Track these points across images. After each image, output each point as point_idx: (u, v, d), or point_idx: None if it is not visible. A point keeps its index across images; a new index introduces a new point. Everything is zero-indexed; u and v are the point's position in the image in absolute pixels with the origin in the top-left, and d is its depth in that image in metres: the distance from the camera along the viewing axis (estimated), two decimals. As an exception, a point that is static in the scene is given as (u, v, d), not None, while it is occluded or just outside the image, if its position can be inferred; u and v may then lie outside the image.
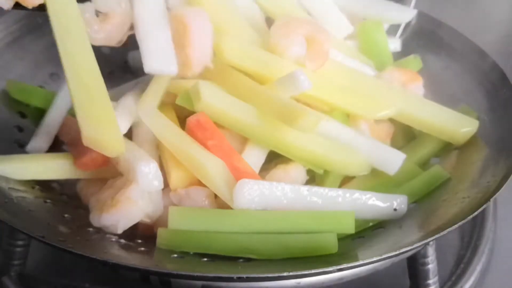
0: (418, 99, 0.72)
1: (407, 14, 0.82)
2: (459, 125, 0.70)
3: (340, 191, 0.61)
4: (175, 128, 0.63)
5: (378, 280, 0.67)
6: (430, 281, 0.64)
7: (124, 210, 0.59)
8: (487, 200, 0.59)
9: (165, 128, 0.63)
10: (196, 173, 0.61)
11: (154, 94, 0.66)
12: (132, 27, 0.64)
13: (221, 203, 0.61)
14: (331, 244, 0.57)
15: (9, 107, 0.75)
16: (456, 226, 0.57)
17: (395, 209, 0.62)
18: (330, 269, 0.53)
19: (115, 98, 0.65)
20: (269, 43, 0.68)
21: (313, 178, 0.66)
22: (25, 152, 0.70)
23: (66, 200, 0.65)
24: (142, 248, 0.60)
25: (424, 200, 0.66)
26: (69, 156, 0.65)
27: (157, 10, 0.64)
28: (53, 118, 0.74)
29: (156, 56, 0.62)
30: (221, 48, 0.65)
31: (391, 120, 0.72)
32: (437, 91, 0.75)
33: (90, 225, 0.61)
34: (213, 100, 0.63)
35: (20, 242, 0.64)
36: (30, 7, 0.62)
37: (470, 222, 0.69)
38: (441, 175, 0.67)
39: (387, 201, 0.62)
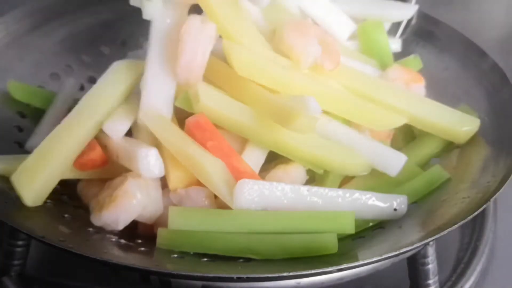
0: (419, 98, 0.72)
1: (408, 11, 0.82)
2: (461, 123, 0.70)
3: (340, 191, 0.61)
4: (175, 129, 0.63)
5: (378, 280, 0.67)
6: (430, 281, 0.63)
7: (123, 204, 0.60)
8: (487, 200, 0.59)
9: (165, 128, 0.63)
10: (196, 174, 0.61)
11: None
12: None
13: (221, 203, 0.61)
14: (331, 244, 0.57)
15: (9, 107, 0.75)
16: (456, 226, 0.57)
17: (395, 209, 0.62)
18: (330, 269, 0.53)
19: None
20: (282, 46, 0.68)
21: (313, 178, 0.66)
22: (25, 152, 0.70)
23: (66, 200, 0.65)
24: (142, 248, 0.60)
25: (424, 200, 0.65)
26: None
27: None
28: (53, 117, 0.74)
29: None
30: (231, 61, 0.64)
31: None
32: (437, 91, 0.75)
33: (90, 225, 0.61)
34: (211, 102, 0.63)
35: (20, 242, 0.64)
36: None
37: (470, 222, 0.69)
38: (441, 175, 0.67)
39: (387, 201, 0.62)
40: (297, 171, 0.65)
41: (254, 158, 0.64)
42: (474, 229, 0.74)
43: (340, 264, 0.53)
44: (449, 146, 0.71)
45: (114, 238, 0.60)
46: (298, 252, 0.57)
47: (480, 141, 0.70)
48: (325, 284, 0.60)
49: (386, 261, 0.60)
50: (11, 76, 0.77)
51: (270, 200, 0.60)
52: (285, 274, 0.52)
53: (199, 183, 0.62)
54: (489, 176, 0.64)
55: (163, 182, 0.63)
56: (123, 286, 0.65)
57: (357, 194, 0.62)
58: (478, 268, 0.70)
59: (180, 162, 0.62)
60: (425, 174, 0.67)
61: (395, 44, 0.81)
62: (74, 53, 0.84)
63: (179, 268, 0.55)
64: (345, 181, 0.67)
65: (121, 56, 0.76)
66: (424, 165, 0.70)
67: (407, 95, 0.72)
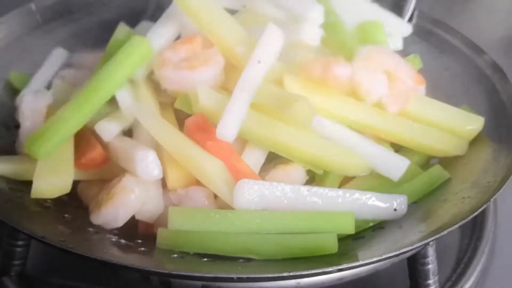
0: (421, 97, 0.72)
1: (404, 29, 0.80)
2: (465, 123, 0.70)
3: (340, 192, 0.61)
4: (173, 130, 0.63)
5: (378, 280, 0.67)
6: (430, 281, 0.63)
7: (122, 200, 0.60)
8: (487, 200, 0.59)
9: (163, 129, 0.63)
10: (195, 174, 0.61)
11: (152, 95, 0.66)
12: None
13: (221, 203, 0.61)
14: (331, 244, 0.57)
15: (9, 107, 0.75)
16: (456, 226, 0.57)
17: (395, 209, 0.62)
18: (330, 269, 0.53)
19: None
20: (351, 81, 0.65)
21: (313, 178, 0.66)
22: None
23: (66, 200, 0.65)
24: (142, 248, 0.60)
25: (424, 200, 0.65)
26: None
27: None
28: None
29: None
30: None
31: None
32: (437, 91, 0.75)
33: (90, 225, 0.61)
34: (211, 103, 0.63)
35: (20, 242, 0.64)
36: None
37: (470, 222, 0.69)
38: (441, 175, 0.67)
39: (387, 201, 0.62)
40: (297, 171, 0.65)
41: (254, 158, 0.64)
42: (474, 229, 0.74)
43: (340, 264, 0.53)
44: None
45: (114, 238, 0.60)
46: (298, 252, 0.57)
47: (480, 141, 0.70)
48: (325, 284, 0.60)
49: (386, 261, 0.60)
50: (11, 76, 0.77)
51: (270, 200, 0.60)
52: (285, 274, 0.52)
53: (197, 183, 0.62)
54: (489, 176, 0.64)
55: (163, 182, 0.63)
56: (123, 286, 0.65)
57: (357, 194, 0.62)
58: (478, 268, 0.70)
59: (177, 162, 0.62)
60: (425, 174, 0.67)
61: (396, 44, 0.81)
62: (74, 53, 0.84)
63: (179, 268, 0.55)
64: (345, 181, 0.67)
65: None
66: (424, 165, 0.70)
67: (407, 95, 0.71)
